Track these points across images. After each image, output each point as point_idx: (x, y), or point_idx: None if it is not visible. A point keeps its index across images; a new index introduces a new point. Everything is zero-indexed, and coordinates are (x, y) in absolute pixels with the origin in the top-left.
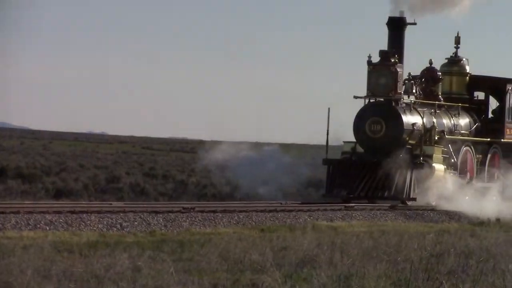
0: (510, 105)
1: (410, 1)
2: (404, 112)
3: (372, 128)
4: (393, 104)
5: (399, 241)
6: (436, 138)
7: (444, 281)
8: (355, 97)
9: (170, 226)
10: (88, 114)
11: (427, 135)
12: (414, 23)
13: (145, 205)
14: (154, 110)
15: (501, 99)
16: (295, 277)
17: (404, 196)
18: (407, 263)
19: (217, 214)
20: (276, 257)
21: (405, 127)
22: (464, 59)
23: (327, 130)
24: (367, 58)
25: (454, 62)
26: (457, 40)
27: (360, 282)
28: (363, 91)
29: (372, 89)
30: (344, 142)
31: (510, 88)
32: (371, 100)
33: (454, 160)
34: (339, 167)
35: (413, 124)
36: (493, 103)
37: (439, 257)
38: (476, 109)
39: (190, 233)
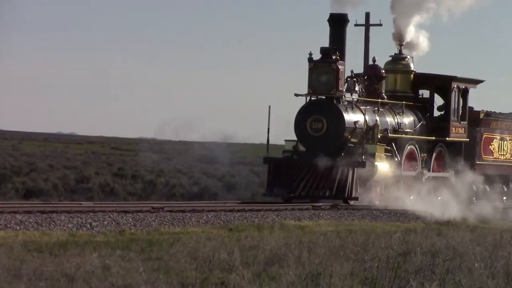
0: (455, 103)
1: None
2: (346, 110)
3: (313, 126)
4: (335, 102)
5: (366, 240)
6: (379, 136)
7: (411, 280)
8: (296, 94)
9: (139, 226)
10: (57, 114)
11: (369, 133)
12: (380, 24)
13: (114, 205)
14: (123, 111)
15: (446, 97)
16: (264, 276)
17: (345, 196)
18: (374, 262)
19: (186, 213)
20: (244, 256)
21: (346, 125)
22: (408, 57)
23: (268, 129)
24: (309, 57)
25: (398, 60)
26: (397, 42)
27: (328, 280)
28: (304, 89)
29: (313, 87)
30: (286, 140)
31: (455, 86)
32: (313, 98)
33: (398, 159)
34: (280, 166)
35: (355, 122)
36: (439, 101)
37: (406, 256)
38: (421, 107)
39: (159, 232)
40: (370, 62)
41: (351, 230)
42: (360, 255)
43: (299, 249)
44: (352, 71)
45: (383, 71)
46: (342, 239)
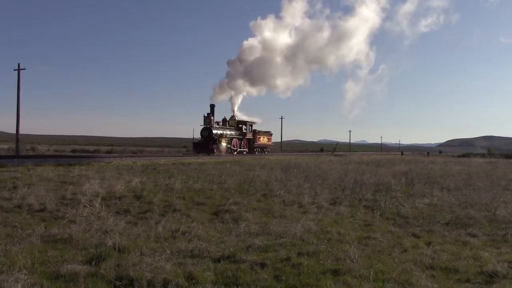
0: (250, 128)
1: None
2: (215, 129)
3: (203, 134)
4: (210, 127)
5: (280, 161)
6: (223, 137)
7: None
8: (201, 125)
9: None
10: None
11: (221, 136)
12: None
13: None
14: None
15: (247, 126)
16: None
17: (213, 153)
18: (290, 168)
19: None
20: (227, 173)
21: (214, 134)
22: (235, 114)
23: (193, 135)
24: (203, 114)
25: (232, 116)
26: (232, 110)
27: (273, 171)
28: (202, 123)
29: (205, 124)
30: (198, 138)
31: (249, 124)
32: (205, 126)
33: (231, 144)
34: (196, 144)
35: (216, 133)
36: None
37: (293, 167)
38: (241, 129)
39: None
40: (226, 115)
41: (270, 159)
42: (274, 165)
43: (257, 166)
44: (216, 121)
45: (228, 119)
46: (271, 161)
